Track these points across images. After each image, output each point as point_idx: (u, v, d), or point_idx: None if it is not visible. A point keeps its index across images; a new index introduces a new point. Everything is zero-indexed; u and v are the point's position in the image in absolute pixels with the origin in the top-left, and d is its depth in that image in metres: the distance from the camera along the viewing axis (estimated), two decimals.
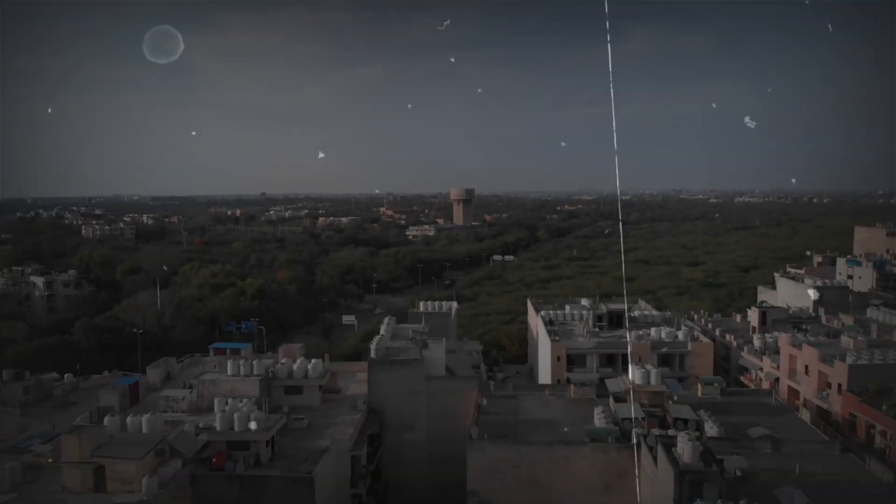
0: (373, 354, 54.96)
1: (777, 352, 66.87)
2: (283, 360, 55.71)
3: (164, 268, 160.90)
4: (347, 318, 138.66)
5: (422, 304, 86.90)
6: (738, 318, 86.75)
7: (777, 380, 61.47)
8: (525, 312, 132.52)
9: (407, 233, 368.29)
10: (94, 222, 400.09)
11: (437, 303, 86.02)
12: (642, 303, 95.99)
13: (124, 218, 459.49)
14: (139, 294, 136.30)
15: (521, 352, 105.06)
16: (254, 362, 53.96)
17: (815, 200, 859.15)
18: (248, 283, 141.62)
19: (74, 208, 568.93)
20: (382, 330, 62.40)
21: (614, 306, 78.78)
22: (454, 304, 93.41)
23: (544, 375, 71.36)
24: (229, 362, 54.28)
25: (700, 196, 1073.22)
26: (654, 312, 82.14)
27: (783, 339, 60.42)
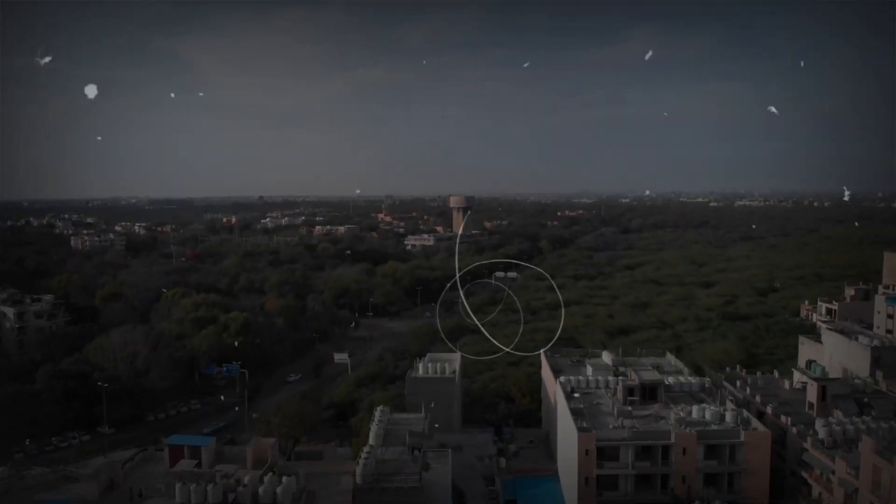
0: (358, 478, 43.75)
1: (847, 444, 55.91)
2: (247, 482, 44.32)
3: (137, 304, 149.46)
4: (339, 357, 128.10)
5: (421, 366, 75.91)
6: (787, 383, 75.49)
7: (856, 491, 50.37)
8: (534, 350, 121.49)
9: (406, 242, 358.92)
10: (85, 232, 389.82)
11: (438, 365, 74.97)
12: (671, 357, 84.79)
13: (116, 227, 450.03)
14: (112, 331, 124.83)
15: (533, 405, 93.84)
16: (209, 487, 42.64)
17: (815, 204, 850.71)
18: (232, 318, 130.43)
19: (66, 216, 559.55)
20: (372, 437, 50.97)
21: (647, 376, 67.57)
22: (457, 363, 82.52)
23: (568, 470, 60.21)
24: (178, 487, 43.00)
25: (700, 199, 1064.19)
26: (692, 380, 70.94)
27: (866, 445, 49.27)
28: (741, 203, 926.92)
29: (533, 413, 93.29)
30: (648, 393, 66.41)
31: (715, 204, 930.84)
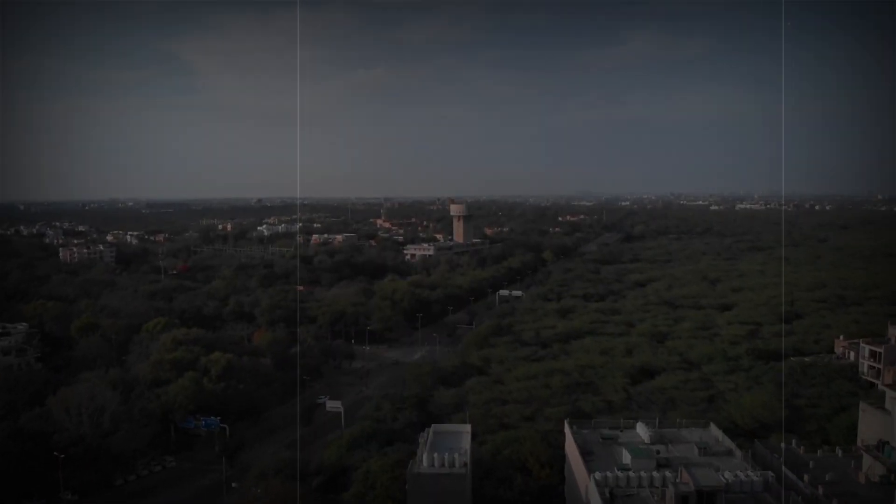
0: None
1: None
2: None
3: (115, 337, 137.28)
4: (332, 405, 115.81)
5: (426, 456, 63.69)
6: (862, 475, 63.41)
7: None
8: (551, 401, 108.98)
9: (405, 251, 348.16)
10: (75, 242, 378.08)
11: (445, 456, 63.01)
12: (717, 432, 72.78)
13: (108, 236, 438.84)
14: (81, 377, 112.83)
15: (555, 479, 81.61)
16: None
17: (816, 207, 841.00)
18: (213, 360, 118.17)
19: (58, 223, 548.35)
20: None
21: (704, 481, 55.53)
22: (468, 441, 70.61)
23: None
24: None
25: (700, 202, 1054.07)
26: (753, 477, 58.69)
27: None
28: (742, 206, 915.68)
29: (554, 488, 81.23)
30: (706, 500, 54.38)
31: (715, 207, 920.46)
